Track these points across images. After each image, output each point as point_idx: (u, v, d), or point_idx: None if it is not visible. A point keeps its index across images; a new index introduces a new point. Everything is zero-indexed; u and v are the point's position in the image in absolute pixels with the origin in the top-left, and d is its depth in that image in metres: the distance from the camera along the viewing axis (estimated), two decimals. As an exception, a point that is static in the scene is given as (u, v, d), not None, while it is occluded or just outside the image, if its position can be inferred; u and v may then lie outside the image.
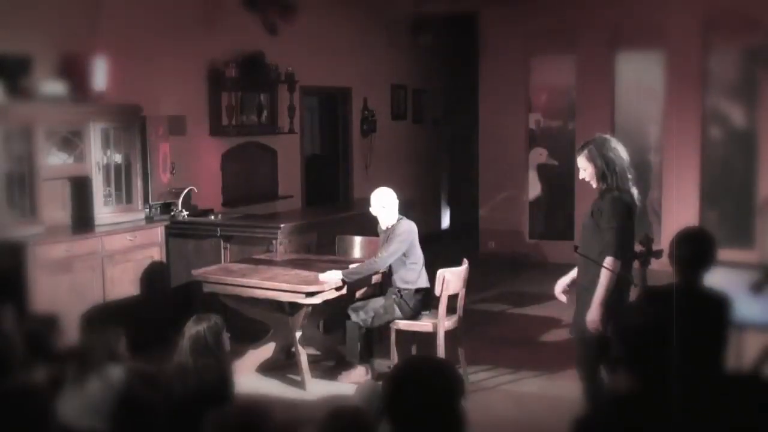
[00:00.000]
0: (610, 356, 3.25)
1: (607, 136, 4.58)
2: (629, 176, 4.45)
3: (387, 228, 5.92)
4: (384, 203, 5.90)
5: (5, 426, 2.61)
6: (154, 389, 3.58)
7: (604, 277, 4.29)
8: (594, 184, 4.50)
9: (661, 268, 4.46)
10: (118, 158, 6.81)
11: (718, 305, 3.47)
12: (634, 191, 4.47)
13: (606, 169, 4.38)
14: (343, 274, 5.70)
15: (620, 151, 4.45)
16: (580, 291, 4.47)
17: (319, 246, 7.16)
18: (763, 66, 9.30)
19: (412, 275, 5.87)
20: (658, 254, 4.51)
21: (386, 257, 5.80)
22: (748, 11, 8.95)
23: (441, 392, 2.34)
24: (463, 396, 2.44)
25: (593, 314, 4.33)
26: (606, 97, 9.91)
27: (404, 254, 5.83)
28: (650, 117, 9.98)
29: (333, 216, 7.88)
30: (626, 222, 4.37)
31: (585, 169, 4.47)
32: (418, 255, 5.92)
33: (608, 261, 4.29)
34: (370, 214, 6.02)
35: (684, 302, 3.39)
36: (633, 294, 4.40)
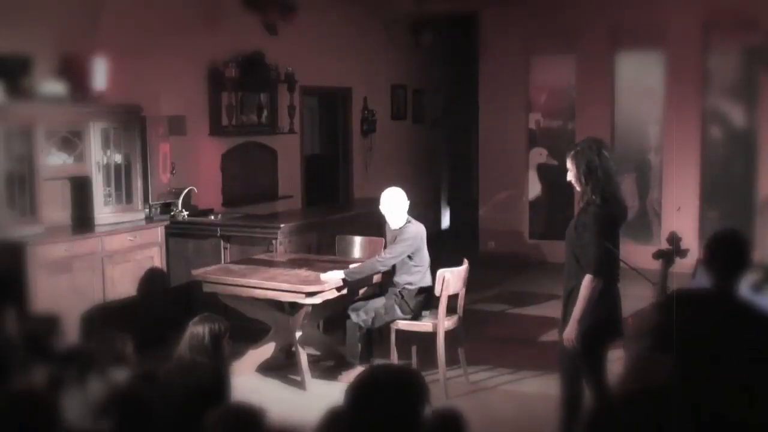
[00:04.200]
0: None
1: (598, 140, 4.44)
2: (614, 182, 4.35)
3: (395, 229, 5.91)
4: (393, 207, 5.88)
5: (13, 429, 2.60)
6: (152, 384, 3.60)
7: (582, 296, 4.25)
8: (578, 187, 4.39)
9: (683, 270, 4.44)
10: (118, 158, 6.81)
11: (759, 317, 3.20)
12: (625, 197, 4.39)
13: (588, 173, 4.24)
14: (344, 274, 5.70)
15: (607, 158, 4.32)
16: (567, 297, 4.45)
17: (319, 246, 7.16)
18: (763, 66, 9.30)
19: (416, 277, 5.87)
20: (683, 253, 4.48)
21: (389, 259, 5.79)
22: (748, 11, 8.95)
23: (403, 402, 2.29)
24: (426, 402, 2.37)
25: (569, 332, 4.30)
26: (606, 97, 9.91)
27: (409, 256, 5.83)
28: (650, 117, 9.98)
29: (333, 216, 7.87)
30: (610, 236, 4.27)
31: (570, 170, 4.37)
32: (424, 258, 5.91)
33: (587, 279, 4.23)
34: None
35: (722, 311, 3.24)
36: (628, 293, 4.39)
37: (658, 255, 4.74)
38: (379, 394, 2.32)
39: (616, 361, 4.47)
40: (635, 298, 5.91)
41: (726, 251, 3.44)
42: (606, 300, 4.33)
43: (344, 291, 5.81)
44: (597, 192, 4.26)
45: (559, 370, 4.56)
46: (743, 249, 3.45)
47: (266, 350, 6.15)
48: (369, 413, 2.29)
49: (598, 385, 4.38)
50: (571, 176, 4.38)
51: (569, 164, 4.37)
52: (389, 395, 2.31)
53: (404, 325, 5.86)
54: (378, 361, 5.96)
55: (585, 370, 4.43)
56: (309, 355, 6.03)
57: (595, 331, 4.30)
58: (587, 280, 4.23)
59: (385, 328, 5.98)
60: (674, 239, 4.23)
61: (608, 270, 4.28)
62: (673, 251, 4.25)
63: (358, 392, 2.35)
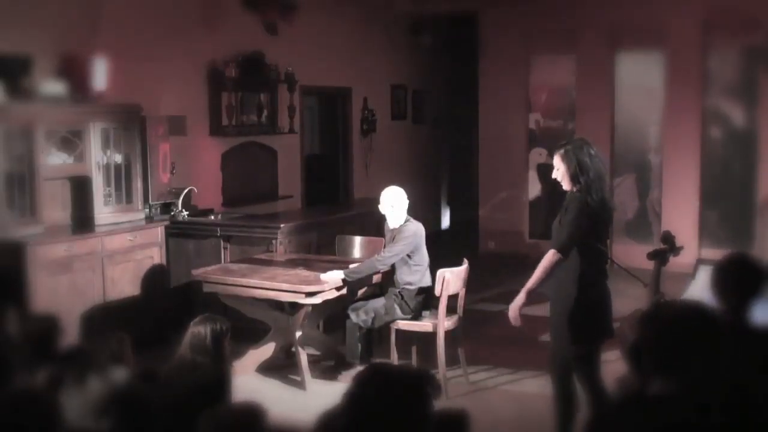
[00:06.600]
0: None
1: (586, 141, 4.45)
2: (604, 183, 4.36)
3: (394, 228, 5.91)
4: (393, 203, 5.89)
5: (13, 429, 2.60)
6: (152, 384, 3.60)
7: (539, 266, 4.31)
8: (564, 185, 4.41)
9: (679, 269, 4.43)
10: (118, 158, 6.81)
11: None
12: (610, 198, 4.42)
13: (579, 171, 4.28)
14: (344, 274, 5.70)
15: (597, 158, 4.34)
16: (552, 296, 4.45)
17: (319, 246, 7.16)
18: (763, 66, 9.30)
19: (415, 276, 5.86)
20: (677, 251, 4.47)
21: (389, 258, 5.79)
22: (748, 11, 8.95)
23: (409, 403, 2.21)
24: (432, 398, 2.28)
25: (516, 301, 4.37)
26: (606, 97, 9.91)
27: (408, 255, 5.83)
28: (650, 117, 9.98)
29: (333, 216, 7.88)
30: (586, 222, 4.29)
31: (558, 169, 4.39)
32: (423, 257, 5.91)
33: (549, 252, 4.29)
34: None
35: (734, 337, 2.92)
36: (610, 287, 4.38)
37: (653, 255, 4.72)
38: (386, 394, 2.24)
39: (608, 362, 4.48)
40: (629, 298, 5.93)
41: (738, 276, 3.25)
42: (596, 298, 4.34)
43: (344, 291, 5.81)
44: (586, 191, 4.29)
45: (551, 370, 4.57)
46: (756, 274, 3.25)
47: (266, 350, 6.15)
48: (372, 414, 2.24)
49: (590, 384, 4.38)
50: (558, 174, 4.40)
51: (558, 162, 4.38)
52: (396, 396, 2.23)
53: (404, 325, 5.86)
54: (378, 361, 5.97)
55: (576, 369, 4.45)
56: (309, 355, 6.02)
57: (585, 330, 4.30)
58: (550, 253, 4.29)
59: (385, 328, 5.98)
60: (668, 238, 4.25)
61: (593, 260, 4.30)
62: (667, 251, 4.25)
63: (361, 391, 2.28)
